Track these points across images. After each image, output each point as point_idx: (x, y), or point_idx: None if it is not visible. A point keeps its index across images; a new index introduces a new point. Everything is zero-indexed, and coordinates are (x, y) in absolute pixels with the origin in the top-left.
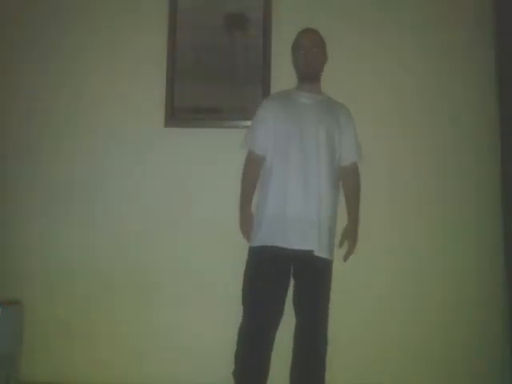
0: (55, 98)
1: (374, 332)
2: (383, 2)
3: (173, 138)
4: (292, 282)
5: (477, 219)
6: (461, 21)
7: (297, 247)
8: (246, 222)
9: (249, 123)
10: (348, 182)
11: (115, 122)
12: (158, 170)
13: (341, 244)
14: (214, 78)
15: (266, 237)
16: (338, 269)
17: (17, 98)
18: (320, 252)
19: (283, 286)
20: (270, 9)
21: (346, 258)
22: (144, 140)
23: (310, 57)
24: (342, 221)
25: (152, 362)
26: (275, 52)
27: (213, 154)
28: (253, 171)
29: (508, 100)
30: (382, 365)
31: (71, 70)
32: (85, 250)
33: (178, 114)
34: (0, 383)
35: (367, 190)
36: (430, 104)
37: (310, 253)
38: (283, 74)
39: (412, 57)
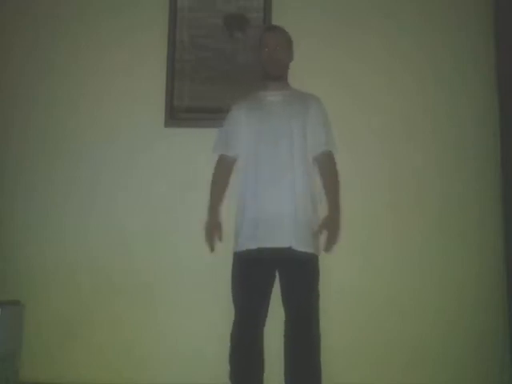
0: (55, 98)
1: (374, 333)
2: (383, 2)
3: (173, 138)
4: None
5: (478, 221)
6: (461, 21)
7: (276, 245)
8: (211, 231)
9: None
10: (324, 172)
11: (115, 122)
12: (157, 170)
13: (319, 232)
14: (213, 77)
15: (248, 240)
16: (339, 270)
17: (16, 98)
18: (299, 246)
19: (268, 286)
20: (270, 9)
21: (326, 248)
22: (144, 140)
23: (275, 55)
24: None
25: (152, 362)
26: None
27: (212, 154)
28: (222, 176)
29: (508, 100)
30: (382, 365)
31: (71, 70)
32: (85, 250)
33: (178, 113)
34: (0, 383)
35: (367, 192)
36: (430, 104)
37: (289, 249)
38: None
39: (412, 57)
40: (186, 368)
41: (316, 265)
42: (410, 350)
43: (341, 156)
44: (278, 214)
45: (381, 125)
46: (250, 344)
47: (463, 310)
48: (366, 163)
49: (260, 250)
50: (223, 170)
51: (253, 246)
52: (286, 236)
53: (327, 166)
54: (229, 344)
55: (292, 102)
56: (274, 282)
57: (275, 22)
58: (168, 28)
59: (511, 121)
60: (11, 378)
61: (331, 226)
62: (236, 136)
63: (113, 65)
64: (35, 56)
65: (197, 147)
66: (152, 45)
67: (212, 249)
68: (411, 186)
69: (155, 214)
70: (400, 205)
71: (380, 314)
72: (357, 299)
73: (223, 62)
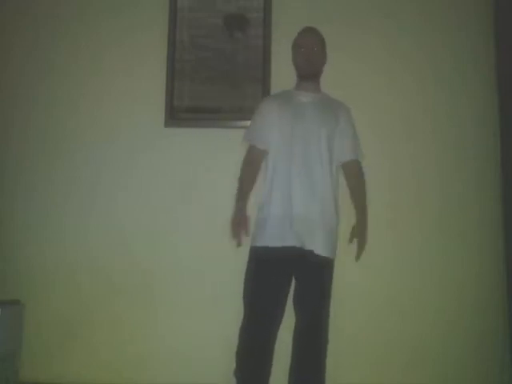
0: (55, 98)
1: (374, 333)
2: (383, 2)
3: (173, 138)
4: (293, 282)
5: (478, 221)
6: (461, 21)
7: (300, 246)
8: (239, 222)
9: (248, 123)
10: (351, 181)
11: (115, 122)
12: (157, 170)
13: (350, 241)
14: (213, 77)
15: (271, 237)
16: (339, 270)
17: (16, 98)
18: (323, 251)
19: (286, 286)
20: (270, 9)
21: (357, 257)
22: (144, 140)
23: (311, 56)
24: (347, 219)
25: (152, 362)
26: (275, 52)
27: (212, 154)
28: (253, 167)
29: (508, 100)
30: (382, 365)
31: (71, 70)
32: (85, 250)
33: (178, 113)
34: (0, 383)
35: (367, 192)
36: (430, 104)
37: (312, 252)
38: (283, 74)
39: (412, 57)
40: (186, 368)
41: (332, 270)
42: (409, 350)
43: None
44: (306, 216)
45: (381, 125)
46: (264, 343)
47: (463, 310)
48: (366, 163)
49: (281, 249)
50: (254, 162)
51: (277, 243)
52: (311, 238)
53: (356, 175)
54: (229, 344)
55: (323, 108)
56: (291, 282)
57: (275, 22)
58: (168, 28)
59: (511, 121)
60: (11, 378)
61: (360, 236)
62: (268, 129)
63: (113, 65)
64: (35, 56)
65: (197, 147)
66: (152, 45)
67: (239, 244)
68: (411, 186)
69: (155, 214)
70: (400, 205)
71: (380, 314)
72: (357, 299)
73: (223, 61)
